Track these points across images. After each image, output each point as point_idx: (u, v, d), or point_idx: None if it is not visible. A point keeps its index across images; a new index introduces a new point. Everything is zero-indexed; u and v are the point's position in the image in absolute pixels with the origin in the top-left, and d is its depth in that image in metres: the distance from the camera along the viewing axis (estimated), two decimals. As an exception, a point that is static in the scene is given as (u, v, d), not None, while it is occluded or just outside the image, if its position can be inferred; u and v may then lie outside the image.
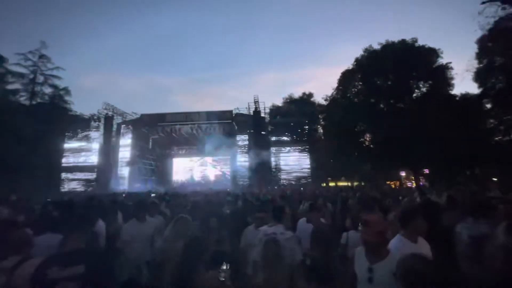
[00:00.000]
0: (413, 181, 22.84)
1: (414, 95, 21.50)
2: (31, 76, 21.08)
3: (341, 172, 25.57)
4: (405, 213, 2.21)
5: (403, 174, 24.10)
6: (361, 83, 22.84)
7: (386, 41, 21.98)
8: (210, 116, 28.19)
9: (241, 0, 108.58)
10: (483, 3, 11.45)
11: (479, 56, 17.82)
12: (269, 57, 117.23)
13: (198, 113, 28.62)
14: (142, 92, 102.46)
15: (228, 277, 1.77)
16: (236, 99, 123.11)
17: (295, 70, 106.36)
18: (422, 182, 21.42)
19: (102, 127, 26.06)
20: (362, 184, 23.23)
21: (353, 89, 23.31)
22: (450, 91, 20.63)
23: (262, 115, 27.38)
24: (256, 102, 26.59)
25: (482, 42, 16.97)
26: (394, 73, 20.65)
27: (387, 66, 20.27)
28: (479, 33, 16.91)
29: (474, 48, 18.25)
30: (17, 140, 16.49)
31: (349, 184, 26.93)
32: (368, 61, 21.97)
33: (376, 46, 22.23)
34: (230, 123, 28.33)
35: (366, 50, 22.66)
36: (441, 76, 20.48)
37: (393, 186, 22.55)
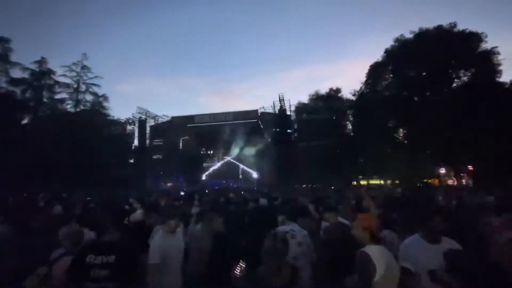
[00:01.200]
0: (454, 179, 21.05)
1: (454, 85, 19.76)
2: (75, 85, 23.24)
3: (372, 170, 24.44)
4: (421, 213, 2.23)
5: (442, 171, 22.27)
6: (392, 76, 21.56)
7: (419, 29, 20.46)
8: (236, 116, 28.77)
9: (266, 3, 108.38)
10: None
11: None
12: (294, 53, 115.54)
13: (225, 113, 29.37)
14: (171, 94, 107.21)
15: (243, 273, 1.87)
16: (262, 97, 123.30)
17: (321, 65, 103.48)
18: (465, 180, 19.65)
19: (136, 130, 27.92)
20: (396, 182, 21.99)
21: (383, 83, 22.09)
22: (497, 79, 18.60)
23: (288, 113, 27.21)
24: (281, 100, 26.50)
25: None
26: (429, 63, 19.14)
27: (422, 56, 18.85)
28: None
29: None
30: (68, 146, 18.32)
31: (382, 182, 25.67)
32: (399, 52, 20.65)
33: (408, 35, 20.82)
34: (255, 122, 28.63)
35: (397, 40, 21.31)
36: (485, 63, 18.54)
37: (433, 183, 20.98)
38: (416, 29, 20.52)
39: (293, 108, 28.24)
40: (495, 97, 16.36)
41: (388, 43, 22.03)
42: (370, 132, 20.75)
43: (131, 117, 27.72)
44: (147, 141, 27.76)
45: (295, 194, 8.90)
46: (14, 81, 19.87)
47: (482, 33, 19.04)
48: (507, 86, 18.36)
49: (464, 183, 18.73)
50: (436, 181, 22.38)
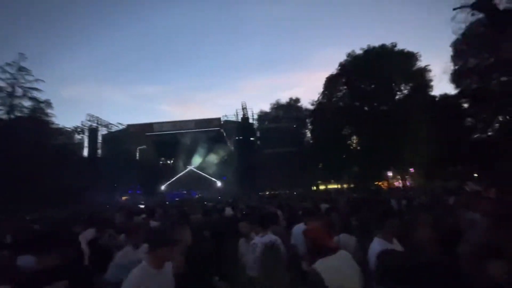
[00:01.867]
0: (400, 181, 23.44)
1: (397, 97, 22.28)
2: (9, 89, 20.33)
3: (330, 175, 25.92)
4: (380, 214, 2.24)
5: (390, 174, 24.69)
6: (345, 87, 23.45)
7: (367, 46, 22.80)
8: (198, 124, 28.05)
9: (227, 7, 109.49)
10: (455, 9, 12.14)
11: (454, 59, 18.75)
12: (256, 63, 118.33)
13: (186, 121, 28.44)
14: (127, 102, 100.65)
15: None
16: (224, 106, 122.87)
17: (282, 75, 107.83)
18: (408, 181, 22.03)
19: (86, 139, 25.40)
20: (352, 186, 23.63)
21: (338, 93, 23.88)
22: (430, 93, 21.53)
23: (250, 121, 27.53)
24: (244, 108, 26.74)
25: (456, 46, 17.88)
26: (376, 77, 21.37)
27: (370, 70, 20.97)
28: (453, 37, 17.88)
29: (450, 51, 19.22)
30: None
31: (339, 186, 27.35)
32: (351, 66, 22.65)
33: (359, 51, 23.01)
34: (218, 131, 28.27)
35: (349, 55, 23.38)
36: (420, 79, 21.37)
37: (382, 186, 23.04)
38: (365, 46, 22.84)
39: (255, 117, 28.73)
40: (430, 108, 18.89)
41: (342, 57, 24.09)
42: (327, 140, 22.14)
43: (80, 125, 25.21)
44: (99, 151, 25.39)
45: (261, 202, 8.94)
46: None
47: (417, 52, 22.03)
48: (437, 99, 21.37)
49: (408, 184, 20.95)
50: (385, 184, 24.67)
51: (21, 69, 20.67)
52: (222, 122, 28.43)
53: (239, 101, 39.08)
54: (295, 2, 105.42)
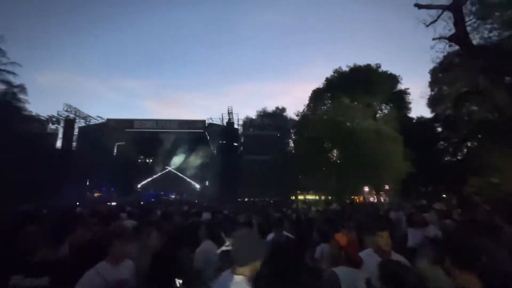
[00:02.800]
0: (375, 196, 24.22)
1: (377, 115, 23.23)
2: (-19, 69, 19.04)
3: (310, 186, 26.29)
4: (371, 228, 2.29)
5: (366, 189, 25.46)
6: (330, 102, 24.13)
7: (354, 64, 23.74)
8: (182, 124, 27.62)
9: (219, 9, 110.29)
10: (434, 39, 13.04)
11: (431, 84, 19.99)
12: (245, 67, 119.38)
13: (169, 120, 27.91)
14: (109, 96, 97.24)
15: None
16: (209, 108, 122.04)
17: (270, 83, 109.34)
18: (383, 197, 22.82)
19: (61, 129, 24.17)
20: (329, 198, 24.08)
21: (322, 107, 24.51)
22: (408, 114, 22.67)
23: (236, 126, 27.54)
24: (230, 113, 26.73)
25: (433, 73, 19.10)
26: (360, 95, 22.22)
27: (354, 88, 21.78)
28: (431, 65, 19.12)
29: (428, 77, 20.49)
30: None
31: (317, 197, 27.79)
32: (337, 82, 23.42)
33: (345, 68, 23.89)
34: (202, 133, 27.98)
35: (336, 71, 24.20)
36: (400, 100, 22.49)
37: (357, 200, 23.70)
38: (352, 64, 23.77)
39: (240, 122, 28.79)
40: (406, 129, 19.87)
41: (329, 72, 24.89)
42: (309, 151, 22.53)
43: (55, 115, 23.95)
44: (74, 144, 24.19)
45: (235, 210, 8.88)
46: None
47: (399, 75, 23.25)
48: (414, 121, 22.54)
49: (382, 200, 21.69)
50: (361, 198, 25.39)
51: (-5, 49, 19.47)
52: (206, 125, 28.20)
53: (225, 105, 38.99)
54: (288, 11, 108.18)
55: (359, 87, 21.71)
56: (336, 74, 24.19)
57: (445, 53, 14.01)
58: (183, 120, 28.25)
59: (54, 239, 1.94)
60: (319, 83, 25.41)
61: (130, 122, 26.88)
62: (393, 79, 23.15)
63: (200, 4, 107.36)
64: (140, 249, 2.79)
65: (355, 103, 23.19)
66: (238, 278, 1.32)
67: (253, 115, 31.05)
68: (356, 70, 23.41)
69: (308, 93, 25.60)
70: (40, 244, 1.80)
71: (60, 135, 24.35)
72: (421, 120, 22.30)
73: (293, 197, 27.49)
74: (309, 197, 28.43)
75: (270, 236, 3.55)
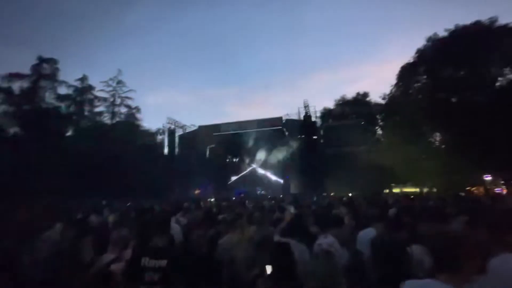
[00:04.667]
0: (504, 187, 19.07)
1: (498, 84, 18.17)
2: (111, 99, 25.06)
3: (407, 177, 22.98)
4: None
5: (488, 178, 20.30)
6: (425, 77, 20.40)
7: (455, 26, 19.24)
8: (260, 123, 28.89)
9: (284, 3, 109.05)
10: None
11: None
12: (318, 57, 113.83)
13: (249, 121, 29.66)
14: (198, 105, 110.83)
15: None
16: (287, 104, 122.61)
17: (347, 69, 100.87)
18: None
19: (166, 139, 29.21)
20: (434, 190, 20.44)
21: (415, 85, 20.98)
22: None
23: (313, 119, 26.80)
24: (306, 106, 26.22)
25: None
26: (468, 62, 17.85)
27: (459, 55, 17.65)
28: None
29: None
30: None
31: (418, 190, 24.00)
32: (433, 52, 19.53)
33: (443, 33, 19.65)
34: (280, 129, 28.51)
35: (429, 39, 20.20)
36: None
37: (476, 192, 19.19)
38: (452, 26, 19.35)
39: (318, 114, 27.80)
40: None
41: (420, 42, 21.01)
42: (403, 137, 19.67)
43: (161, 127, 29.15)
44: (176, 150, 28.84)
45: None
46: (60, 97, 21.94)
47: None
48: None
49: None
50: (481, 189, 20.42)
51: (119, 82, 25.21)
52: (284, 121, 28.56)
53: (302, 99, 38.41)
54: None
55: (466, 53, 17.45)
56: (430, 43, 20.18)
57: None
58: (261, 119, 29.53)
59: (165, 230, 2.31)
60: (408, 57, 21.78)
61: (217, 127, 30.02)
62: (520, 32, 17.55)
63: (252, 2, 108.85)
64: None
65: (461, 73, 18.85)
66: None
67: (331, 105, 29.46)
68: (459, 33, 18.91)
69: (395, 72, 22.33)
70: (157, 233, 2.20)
71: (166, 143, 29.54)
72: None
73: (387, 190, 24.68)
74: (407, 189, 24.90)
75: (361, 233, 3.22)
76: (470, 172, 18.43)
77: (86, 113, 23.67)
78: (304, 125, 26.14)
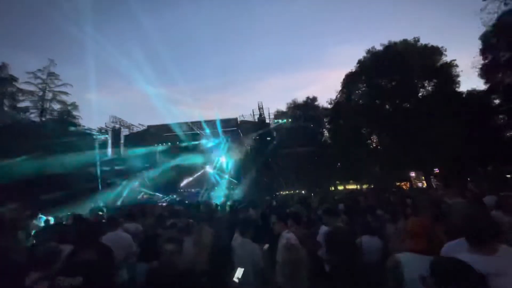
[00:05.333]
0: (424, 181, 22.43)
1: (420, 94, 21.33)
2: (40, 93, 21.65)
3: (349, 175, 25.29)
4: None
5: (412, 174, 23.67)
6: (365, 85, 22.79)
7: (388, 41, 22.00)
8: (215, 124, 28.39)
9: (239, 6, 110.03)
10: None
11: (484, 52, 17.65)
12: (271, 62, 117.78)
13: (203, 122, 28.87)
14: (147, 103, 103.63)
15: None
16: (241, 106, 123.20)
17: (298, 74, 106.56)
18: (434, 182, 21.00)
19: (109, 140, 26.43)
20: (372, 186, 22.90)
21: (357, 91, 23.27)
22: (456, 89, 20.41)
23: (267, 121, 27.47)
24: (260, 108, 26.73)
25: (485, 38, 16.84)
26: (398, 74, 20.57)
27: (391, 67, 20.22)
28: (482, 29, 16.85)
29: (478, 45, 18.10)
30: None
31: (358, 187, 26.61)
32: (371, 63, 21.96)
33: (379, 47, 22.27)
34: (235, 131, 28.47)
35: (368, 52, 22.69)
36: (445, 74, 20.31)
37: (404, 187, 22.16)
38: (386, 42, 22.05)
39: (272, 116, 28.63)
40: (455, 104, 17.92)
41: (361, 54, 23.43)
42: (346, 139, 21.60)
43: (103, 126, 26.29)
44: (121, 151, 26.36)
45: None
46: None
47: (442, 47, 20.97)
48: (464, 95, 20.21)
49: (433, 185, 19.99)
50: (407, 184, 23.69)
51: (51, 74, 21.93)
52: (238, 122, 28.62)
53: (256, 101, 39.12)
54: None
55: (396, 66, 20.08)
56: (369, 55, 22.66)
57: (500, 13, 12.24)
58: (215, 119, 29.02)
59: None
60: (351, 67, 24.06)
61: (168, 127, 28.40)
62: (436, 52, 20.95)
63: (208, 3, 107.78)
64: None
65: (393, 83, 21.58)
66: None
67: (284, 108, 30.67)
68: (391, 48, 21.67)
69: (340, 79, 24.45)
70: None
71: (109, 143, 26.67)
72: (473, 93, 19.88)
73: (332, 188, 26.73)
74: (350, 187, 27.37)
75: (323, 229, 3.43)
76: (399, 169, 21.22)
77: (6, 108, 19.96)
78: (259, 127, 26.61)
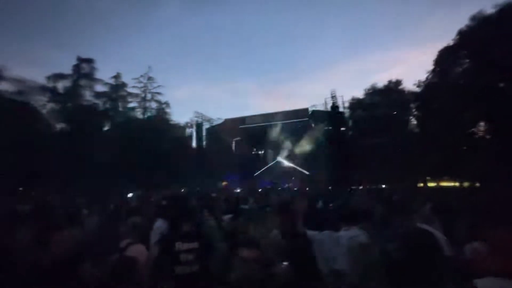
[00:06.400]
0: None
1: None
2: (143, 95, 26.38)
3: (443, 170, 21.36)
4: None
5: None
6: (468, 60, 18.55)
7: (505, 1, 17.08)
8: (287, 115, 28.63)
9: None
10: None
11: None
12: (344, 44, 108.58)
13: (275, 113, 29.51)
14: (225, 98, 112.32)
15: None
16: (314, 94, 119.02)
17: (377, 55, 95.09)
18: None
19: (194, 133, 30.19)
20: (477, 185, 18.79)
21: (456, 69, 19.19)
22: None
23: (341, 110, 25.90)
24: (333, 96, 25.41)
25: None
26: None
27: (510, 34, 15.73)
28: None
29: None
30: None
31: (456, 184, 22.24)
32: (478, 32, 17.61)
33: (490, 10, 17.57)
34: (306, 121, 28.01)
35: (474, 18, 18.21)
36: None
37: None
38: (501, 1, 17.19)
39: (347, 105, 26.75)
40: None
41: (462, 22, 19.03)
42: (440, 127, 18.23)
43: (189, 121, 30.17)
44: (204, 143, 29.71)
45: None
46: (97, 95, 23.53)
47: None
48: None
49: None
50: (533, 184, 18.37)
51: (149, 78, 26.41)
52: (310, 113, 27.99)
53: (329, 89, 37.14)
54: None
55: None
56: (474, 22, 18.17)
57: None
58: (287, 111, 29.22)
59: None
60: (447, 40, 19.88)
61: (242, 120, 30.34)
62: None
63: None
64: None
65: (512, 54, 16.80)
66: None
67: (361, 95, 28.13)
68: (509, 8, 16.77)
69: (432, 56, 20.56)
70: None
71: (194, 136, 30.56)
72: None
73: (421, 184, 23.27)
74: (444, 183, 23.25)
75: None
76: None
77: (120, 109, 25.21)
78: (331, 116, 25.38)
